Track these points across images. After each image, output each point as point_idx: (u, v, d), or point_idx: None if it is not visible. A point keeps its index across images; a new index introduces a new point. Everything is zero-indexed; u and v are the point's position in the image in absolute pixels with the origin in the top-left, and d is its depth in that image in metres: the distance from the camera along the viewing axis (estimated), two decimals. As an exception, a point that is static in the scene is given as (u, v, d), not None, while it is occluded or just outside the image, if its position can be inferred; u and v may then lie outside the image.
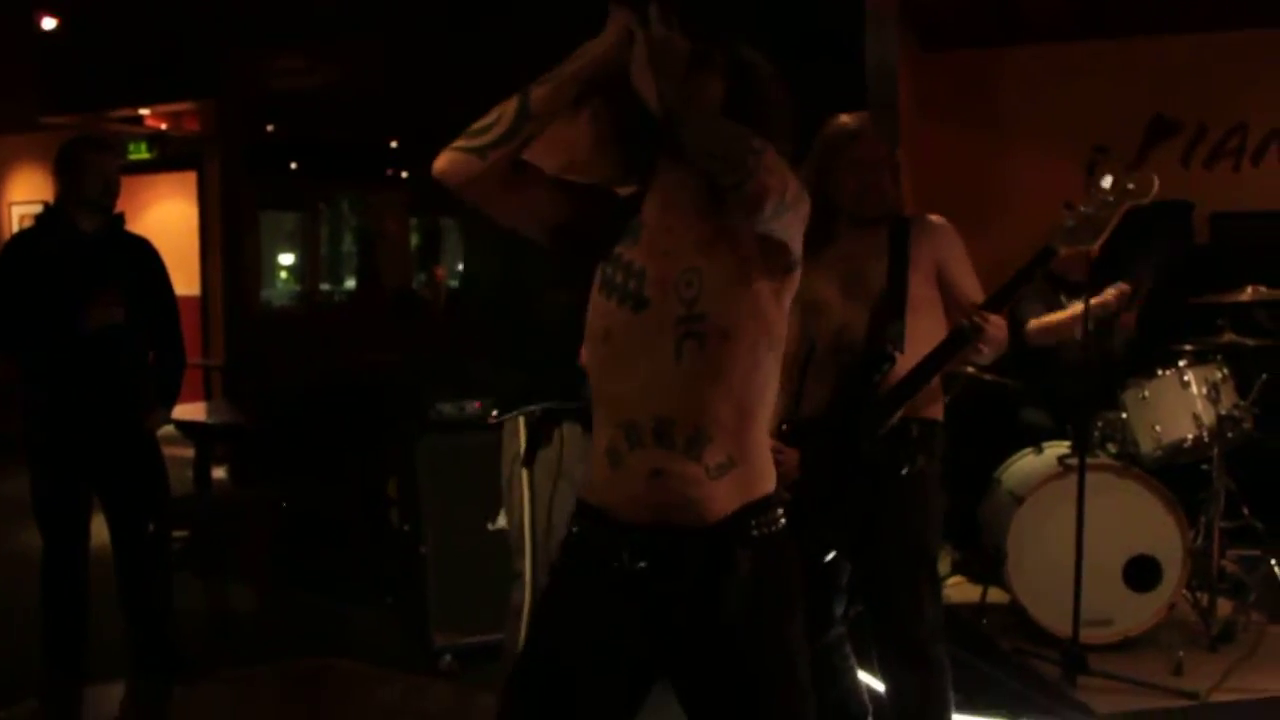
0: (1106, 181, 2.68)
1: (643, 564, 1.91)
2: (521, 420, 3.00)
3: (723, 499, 1.90)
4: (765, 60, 1.97)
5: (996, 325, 2.74)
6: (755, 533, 1.93)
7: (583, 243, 2.00)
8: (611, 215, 2.00)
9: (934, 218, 3.02)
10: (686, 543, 1.90)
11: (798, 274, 1.97)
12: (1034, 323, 4.62)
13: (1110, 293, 4.42)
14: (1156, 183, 2.68)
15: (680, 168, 1.93)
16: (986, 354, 2.82)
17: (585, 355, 2.02)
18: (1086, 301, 3.81)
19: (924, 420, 2.93)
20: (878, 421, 2.80)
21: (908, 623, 2.92)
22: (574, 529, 2.02)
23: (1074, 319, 4.37)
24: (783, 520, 1.98)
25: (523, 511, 3.03)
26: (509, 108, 1.90)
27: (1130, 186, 2.68)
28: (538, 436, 2.98)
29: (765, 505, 1.95)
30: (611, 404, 1.94)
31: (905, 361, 2.83)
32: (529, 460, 2.99)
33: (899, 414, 2.82)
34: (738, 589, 1.89)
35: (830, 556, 2.93)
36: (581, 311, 2.00)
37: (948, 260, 2.95)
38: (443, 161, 1.91)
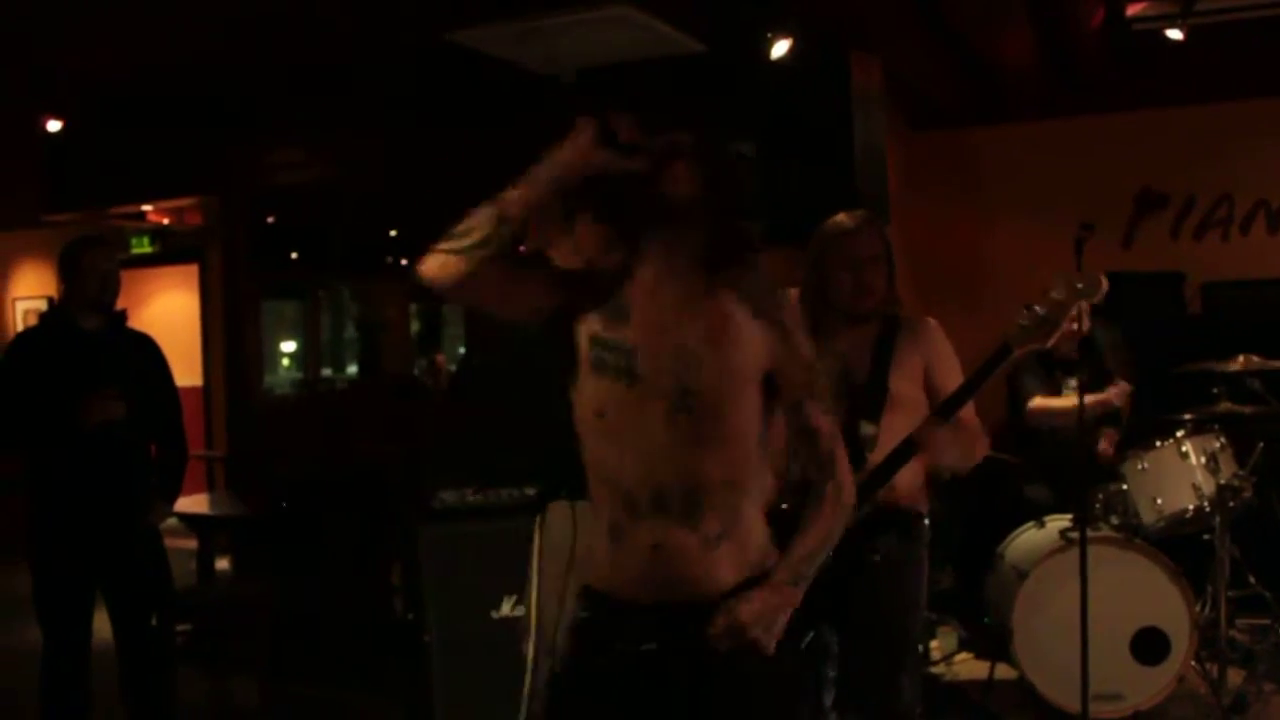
0: (1058, 292, 2.78)
1: (650, 645, 1.92)
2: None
3: (723, 573, 1.92)
4: (727, 143, 2.03)
5: (941, 439, 2.77)
6: None
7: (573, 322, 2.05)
8: (599, 295, 2.04)
9: (925, 319, 3.09)
10: (692, 619, 1.91)
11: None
12: (1037, 402, 4.65)
13: (1112, 391, 4.47)
14: (1105, 282, 2.79)
15: (673, 246, 1.98)
16: (946, 462, 2.85)
17: (580, 433, 2.05)
18: (1081, 397, 3.84)
19: (901, 509, 2.96)
20: None
21: (885, 707, 2.93)
22: (578, 614, 2.04)
23: (1073, 410, 4.40)
24: None
25: (530, 596, 3.04)
26: (483, 213, 1.94)
27: (1079, 286, 2.78)
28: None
29: (765, 579, 1.97)
30: (610, 480, 1.97)
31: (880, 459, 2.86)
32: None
33: (868, 507, 2.85)
34: (751, 662, 1.90)
35: (809, 639, 2.93)
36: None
37: (934, 362, 3.02)
38: (431, 266, 1.96)
